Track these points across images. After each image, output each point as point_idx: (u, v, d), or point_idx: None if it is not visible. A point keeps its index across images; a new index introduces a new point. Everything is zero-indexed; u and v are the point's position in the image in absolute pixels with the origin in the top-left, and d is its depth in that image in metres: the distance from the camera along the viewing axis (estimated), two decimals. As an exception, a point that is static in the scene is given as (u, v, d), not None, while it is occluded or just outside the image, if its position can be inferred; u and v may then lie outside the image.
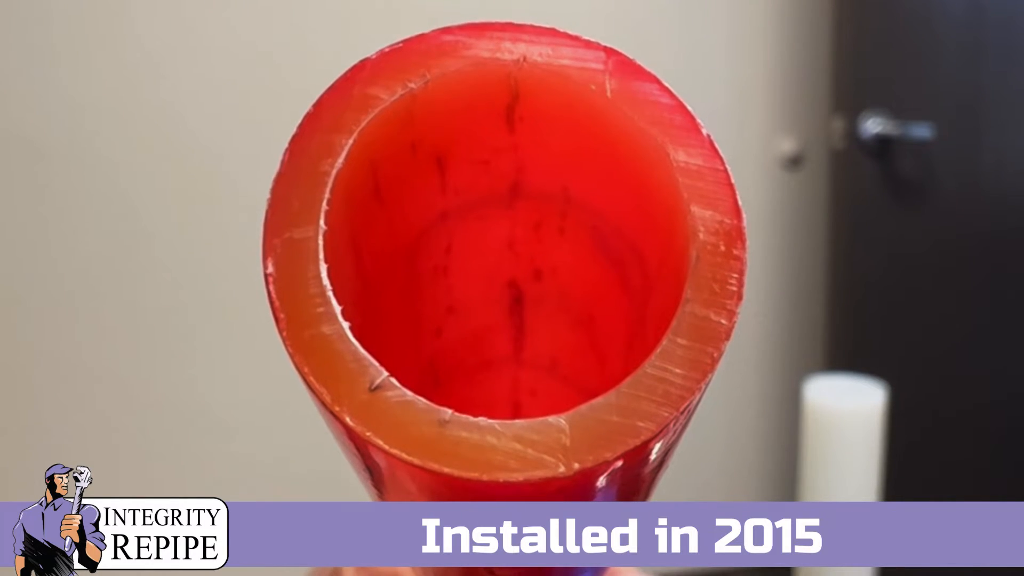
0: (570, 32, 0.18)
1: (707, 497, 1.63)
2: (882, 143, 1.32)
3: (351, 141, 0.17)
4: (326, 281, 0.16)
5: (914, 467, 1.28)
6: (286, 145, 0.17)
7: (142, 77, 1.30)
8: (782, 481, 1.64)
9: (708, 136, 0.17)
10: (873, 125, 1.32)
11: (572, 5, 1.42)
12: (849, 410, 1.03)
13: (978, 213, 1.22)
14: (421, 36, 0.18)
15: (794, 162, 1.56)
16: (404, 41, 0.18)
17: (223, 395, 1.38)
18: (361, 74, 0.18)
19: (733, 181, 0.17)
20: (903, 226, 1.34)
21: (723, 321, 0.17)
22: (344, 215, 0.18)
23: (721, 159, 0.17)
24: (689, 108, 0.18)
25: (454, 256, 0.24)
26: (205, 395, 1.38)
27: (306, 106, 0.17)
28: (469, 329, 0.26)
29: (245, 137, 1.34)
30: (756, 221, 1.65)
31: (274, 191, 0.17)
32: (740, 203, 0.17)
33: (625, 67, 0.18)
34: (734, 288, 0.17)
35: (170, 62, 1.31)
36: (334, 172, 0.17)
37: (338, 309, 0.16)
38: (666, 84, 0.18)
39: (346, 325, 0.15)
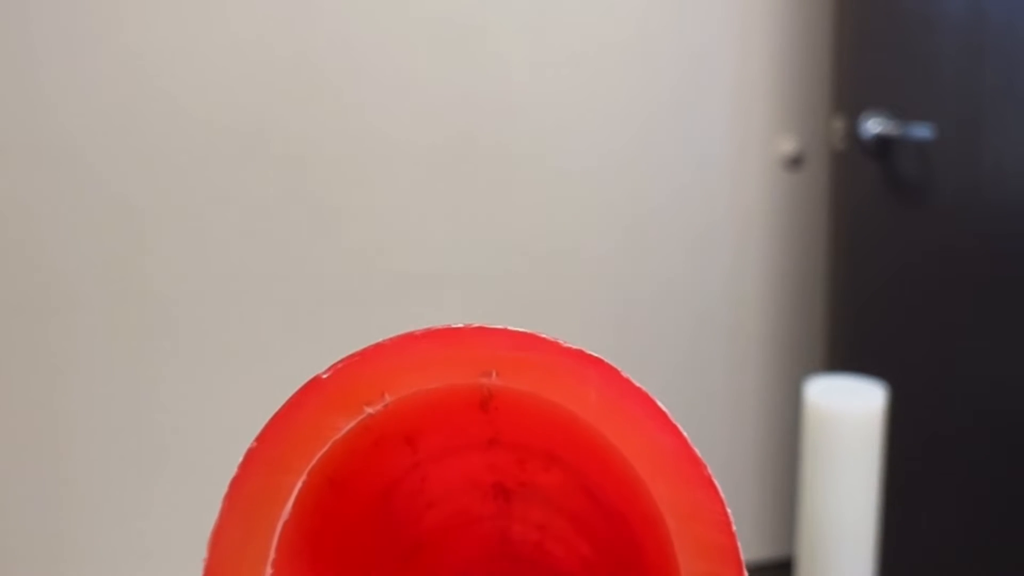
0: (550, 339, 0.16)
1: (707, 497, 1.63)
2: (882, 143, 1.32)
3: (301, 482, 0.15)
4: None
5: (914, 467, 1.27)
6: (226, 489, 0.15)
7: (127, 80, 1.30)
8: (782, 481, 1.64)
9: (704, 469, 0.15)
10: (873, 125, 1.32)
11: (574, 9, 1.42)
12: (849, 410, 1.03)
13: (978, 213, 1.22)
14: (380, 347, 0.16)
15: (795, 162, 1.56)
16: (360, 354, 0.16)
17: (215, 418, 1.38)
18: (311, 398, 0.15)
19: (734, 527, 0.15)
20: (903, 226, 1.33)
21: None
22: (295, 517, 0.16)
23: (720, 499, 0.15)
24: (683, 433, 0.15)
25: (431, 482, 0.22)
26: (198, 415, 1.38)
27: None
28: (451, 510, 0.24)
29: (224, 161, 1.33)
30: (756, 221, 1.65)
31: (213, 548, 0.14)
32: (741, 554, 0.14)
33: (611, 381, 0.16)
34: None
35: (157, 64, 1.31)
36: (280, 524, 0.15)
37: None
38: (656, 401, 0.15)
39: None
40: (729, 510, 0.14)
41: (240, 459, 0.15)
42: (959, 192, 1.24)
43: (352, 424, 0.15)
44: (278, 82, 1.33)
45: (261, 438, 0.15)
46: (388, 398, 0.16)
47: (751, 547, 1.68)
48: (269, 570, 0.15)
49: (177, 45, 1.30)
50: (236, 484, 0.15)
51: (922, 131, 1.26)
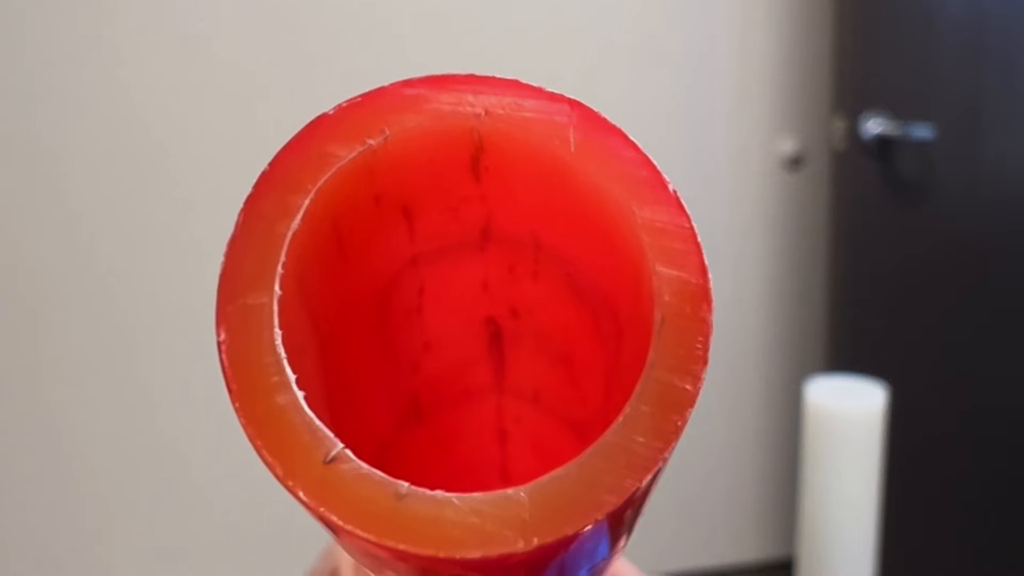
0: (533, 84, 0.18)
1: (708, 496, 1.63)
2: (883, 144, 1.32)
3: (308, 201, 0.17)
4: (280, 349, 0.15)
5: (915, 467, 1.27)
6: (241, 206, 0.16)
7: (106, 83, 1.30)
8: (782, 481, 1.64)
9: (674, 192, 0.17)
10: (874, 126, 1.32)
11: (574, 8, 1.42)
12: (849, 410, 1.03)
13: (978, 213, 1.22)
14: (380, 90, 0.18)
15: (795, 163, 1.56)
16: (363, 96, 0.18)
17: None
18: (318, 131, 0.17)
19: (700, 240, 0.17)
20: (903, 226, 1.33)
21: (688, 387, 0.16)
22: (304, 272, 0.17)
23: (687, 216, 0.17)
24: (654, 163, 0.17)
25: (427, 298, 0.23)
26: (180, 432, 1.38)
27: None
28: (448, 362, 0.26)
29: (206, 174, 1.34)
30: (756, 221, 1.65)
31: (228, 254, 0.16)
32: (706, 262, 0.16)
33: (589, 120, 0.18)
34: (700, 353, 0.16)
35: (134, 67, 1.31)
36: (290, 234, 0.16)
37: (292, 378, 0.15)
38: (631, 138, 0.18)
39: (300, 395, 0.15)
40: (695, 226, 0.17)
41: (253, 182, 0.17)
42: (959, 192, 1.24)
43: (354, 154, 0.17)
44: (271, 74, 1.33)
45: (272, 163, 0.17)
46: (387, 132, 0.18)
47: (751, 547, 1.68)
48: (280, 271, 0.16)
49: (172, 37, 1.31)
50: (250, 201, 0.17)
51: (922, 131, 1.25)
